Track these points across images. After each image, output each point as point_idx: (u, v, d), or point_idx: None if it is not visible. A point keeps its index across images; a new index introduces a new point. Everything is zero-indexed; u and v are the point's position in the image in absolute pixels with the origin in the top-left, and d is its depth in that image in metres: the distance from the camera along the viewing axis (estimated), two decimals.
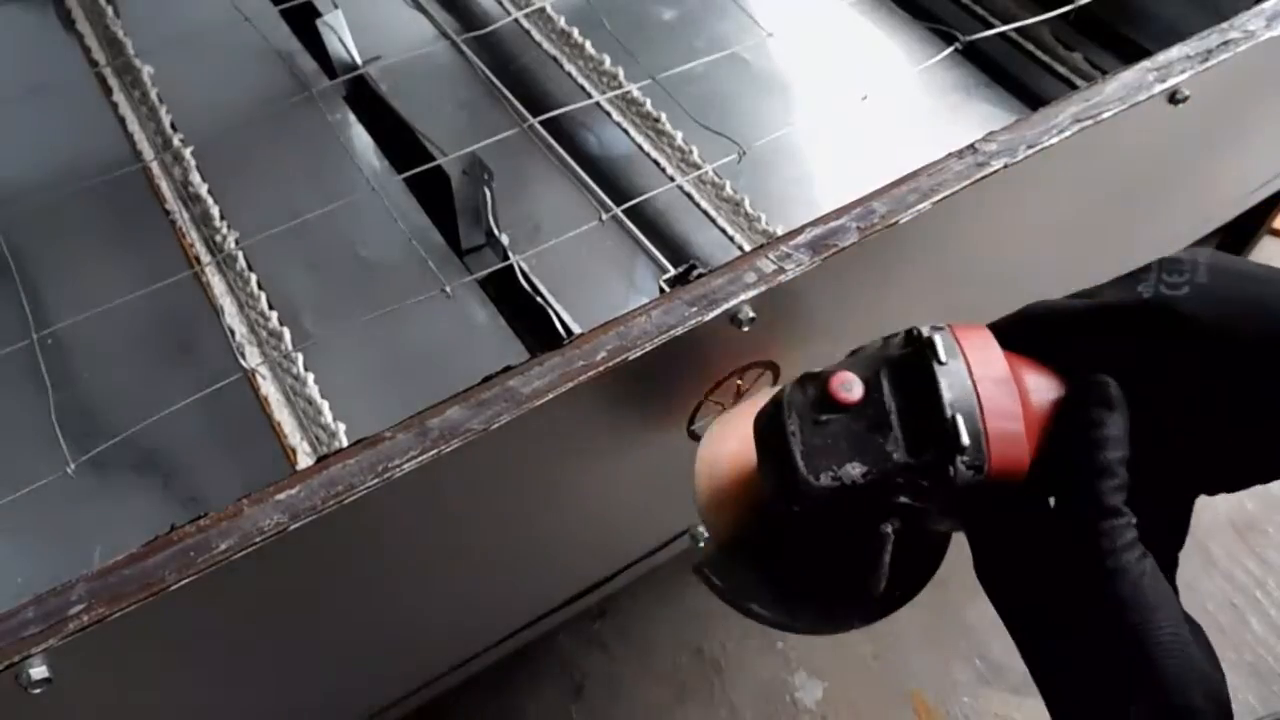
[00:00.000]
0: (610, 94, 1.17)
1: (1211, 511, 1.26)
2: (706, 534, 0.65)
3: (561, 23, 1.25)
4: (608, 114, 1.17)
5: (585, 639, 1.19)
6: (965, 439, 0.43)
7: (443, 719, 1.11)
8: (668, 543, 0.93)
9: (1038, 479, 0.45)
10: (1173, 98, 0.83)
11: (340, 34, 1.20)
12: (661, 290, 0.94)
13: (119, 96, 1.17)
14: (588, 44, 1.22)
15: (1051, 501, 0.45)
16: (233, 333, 0.95)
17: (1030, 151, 0.75)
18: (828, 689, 1.16)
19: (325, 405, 0.88)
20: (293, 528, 0.54)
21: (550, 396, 0.60)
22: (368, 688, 0.79)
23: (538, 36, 1.27)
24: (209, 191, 1.05)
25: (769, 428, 0.48)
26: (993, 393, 0.44)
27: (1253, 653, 1.20)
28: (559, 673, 1.17)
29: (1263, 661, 1.19)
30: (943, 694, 1.16)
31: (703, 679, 1.18)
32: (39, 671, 0.50)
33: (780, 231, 0.99)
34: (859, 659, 1.18)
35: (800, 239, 0.69)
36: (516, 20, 1.29)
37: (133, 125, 1.14)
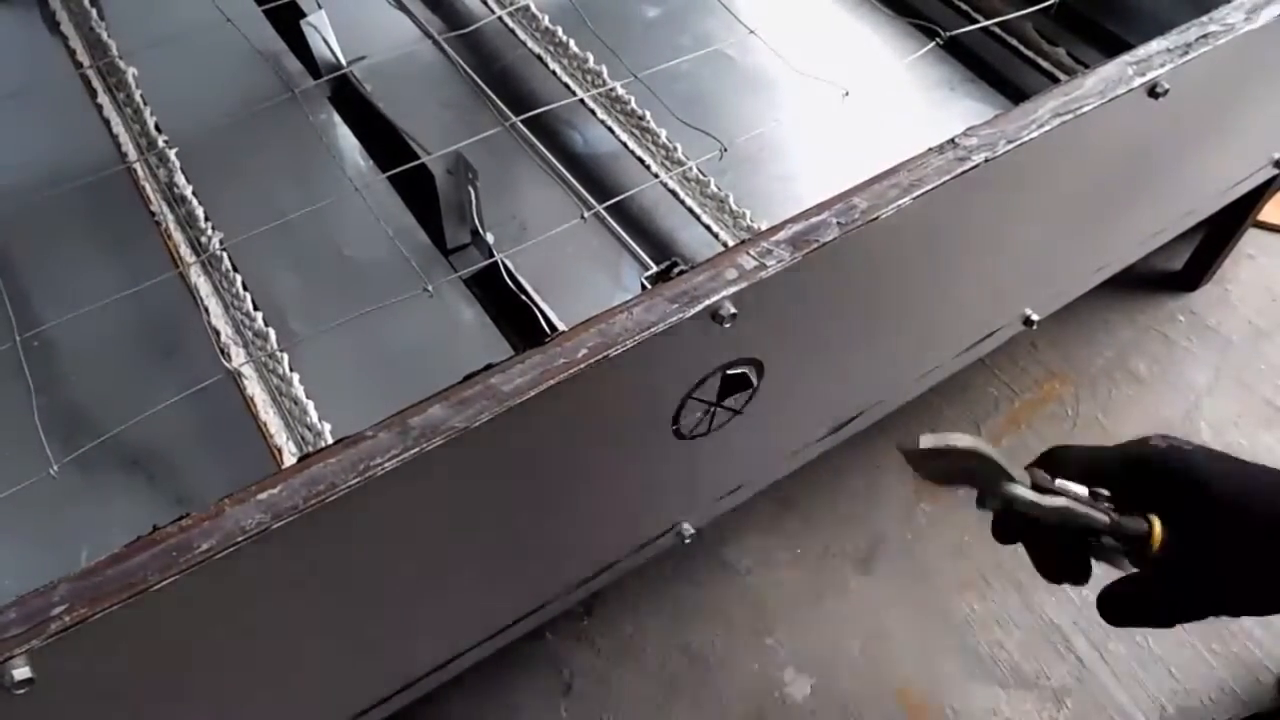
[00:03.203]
0: (594, 92, 1.17)
1: None
2: None
3: (545, 21, 1.25)
4: (592, 112, 1.17)
5: (573, 636, 1.19)
6: None
7: (430, 718, 1.11)
8: (654, 539, 0.94)
9: None
10: (1152, 91, 0.84)
11: (324, 34, 1.20)
12: (644, 287, 0.95)
13: (104, 98, 1.17)
14: (571, 42, 1.22)
15: None
16: (218, 333, 0.95)
17: (1010, 146, 0.76)
18: (815, 685, 1.17)
19: (311, 405, 0.88)
20: (275, 527, 0.54)
21: (531, 394, 0.60)
22: (352, 686, 0.79)
23: (521, 35, 1.26)
24: (194, 193, 1.05)
25: None
26: None
27: (1239, 644, 1.21)
28: (548, 670, 1.17)
29: (1248, 653, 1.20)
30: (930, 688, 1.16)
31: (692, 675, 1.18)
32: (21, 672, 0.50)
33: (765, 228, 0.99)
34: (847, 654, 1.18)
35: (781, 235, 0.69)
36: (500, 19, 1.29)
37: (117, 127, 1.14)
